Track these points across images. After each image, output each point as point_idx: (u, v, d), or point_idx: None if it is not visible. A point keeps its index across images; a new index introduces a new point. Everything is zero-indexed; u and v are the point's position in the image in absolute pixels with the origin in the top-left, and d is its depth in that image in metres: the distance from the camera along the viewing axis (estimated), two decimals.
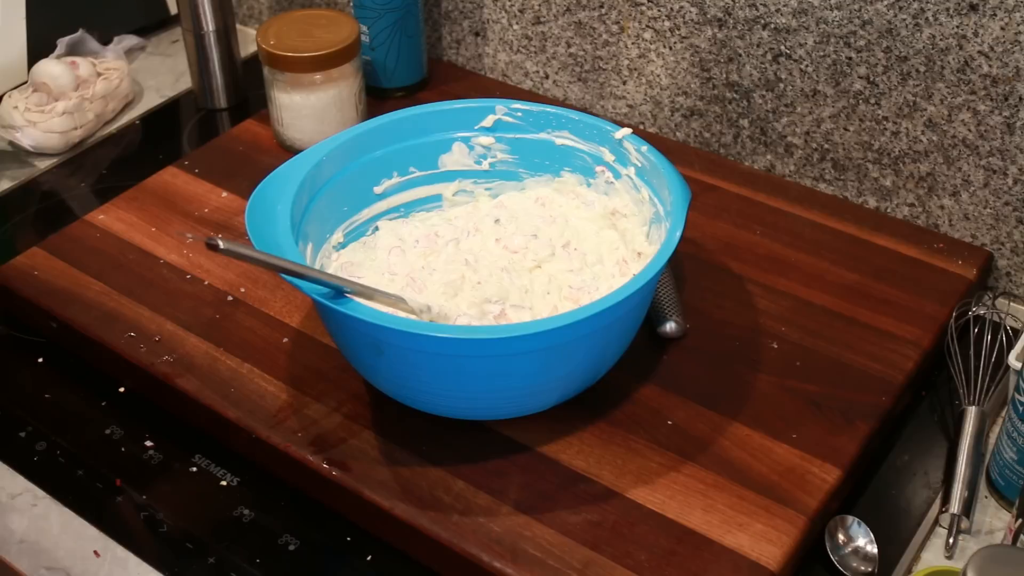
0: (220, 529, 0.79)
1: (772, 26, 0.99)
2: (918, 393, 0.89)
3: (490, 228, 0.90)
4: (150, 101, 1.26)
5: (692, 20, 1.03)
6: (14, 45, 1.21)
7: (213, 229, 0.99)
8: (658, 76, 1.09)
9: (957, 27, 0.90)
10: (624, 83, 1.11)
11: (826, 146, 1.02)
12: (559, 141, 0.91)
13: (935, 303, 0.90)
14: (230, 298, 0.92)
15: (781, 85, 1.01)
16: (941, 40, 0.91)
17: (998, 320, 0.90)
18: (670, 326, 0.87)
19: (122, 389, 0.89)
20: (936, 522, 0.80)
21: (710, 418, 0.81)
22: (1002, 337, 0.87)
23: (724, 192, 1.02)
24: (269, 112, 1.11)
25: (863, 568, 0.75)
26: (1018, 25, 0.87)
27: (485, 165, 0.93)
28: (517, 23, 1.15)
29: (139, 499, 0.81)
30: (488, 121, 0.91)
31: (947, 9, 0.89)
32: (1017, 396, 0.77)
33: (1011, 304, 0.96)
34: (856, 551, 0.76)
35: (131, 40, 1.28)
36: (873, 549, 0.76)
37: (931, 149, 0.96)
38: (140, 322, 0.90)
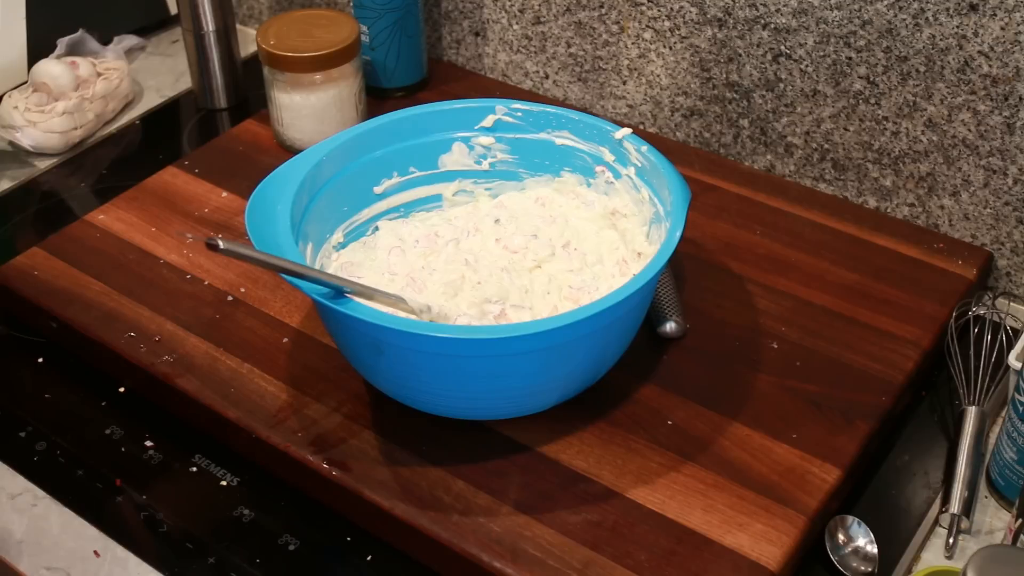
0: (220, 529, 0.79)
1: (772, 26, 0.99)
2: (918, 393, 0.89)
3: (490, 228, 0.90)
4: (150, 101, 1.26)
5: (692, 20, 1.03)
6: (14, 45, 1.21)
7: (213, 229, 0.99)
8: (658, 76, 1.09)
9: (957, 27, 0.90)
10: (624, 83, 1.11)
11: (826, 146, 1.02)
12: (559, 141, 0.91)
13: (935, 303, 0.90)
14: (230, 298, 0.92)
15: (781, 85, 1.01)
16: (941, 40, 0.91)
17: (998, 320, 0.90)
18: (670, 326, 0.87)
19: (122, 389, 0.90)
20: (936, 522, 0.80)
21: (710, 418, 0.81)
22: (1002, 337, 0.87)
23: (724, 192, 1.02)
24: (269, 112, 1.11)
25: (863, 568, 0.75)
26: (1018, 25, 0.87)
27: (485, 165, 0.93)
28: (517, 23, 1.15)
29: (139, 499, 0.81)
30: (488, 121, 0.91)
31: (947, 9, 0.89)
32: (1017, 396, 0.77)
33: (1011, 304, 0.96)
34: (856, 551, 0.76)
35: (131, 40, 1.28)
36: (873, 549, 0.76)
37: (931, 149, 0.96)
38: (140, 322, 0.90)
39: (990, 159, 0.93)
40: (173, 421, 0.86)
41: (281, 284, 0.92)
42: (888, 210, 1.01)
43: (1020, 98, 0.89)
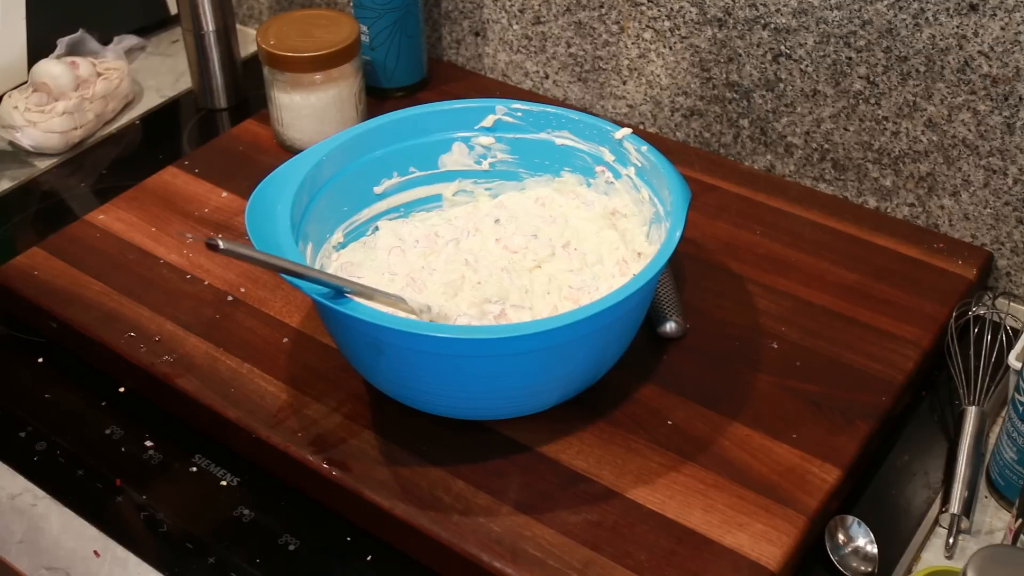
0: (220, 529, 0.79)
1: (772, 26, 0.99)
2: (918, 393, 0.89)
3: (490, 228, 0.90)
4: (150, 101, 1.26)
5: (692, 20, 1.03)
6: (14, 45, 1.21)
7: (213, 229, 0.99)
8: (658, 76, 1.09)
9: (957, 27, 0.90)
10: (624, 83, 1.11)
11: (826, 146, 1.02)
12: (559, 141, 0.91)
13: (935, 303, 0.90)
14: (230, 298, 0.92)
15: (781, 85, 1.01)
16: (941, 40, 0.91)
17: (998, 320, 0.90)
18: (670, 326, 0.87)
19: (122, 389, 0.90)
20: (936, 522, 0.80)
21: (710, 418, 0.81)
22: (1002, 337, 0.87)
23: (724, 192, 1.02)
24: (269, 112, 1.11)
25: (863, 568, 0.75)
26: (1018, 25, 0.87)
27: (485, 165, 0.93)
28: (517, 23, 1.15)
29: (139, 499, 0.82)
30: (488, 121, 0.91)
31: (947, 9, 0.89)
32: (1017, 396, 0.77)
33: (1011, 304, 0.96)
34: (856, 551, 0.76)
35: (131, 40, 1.28)
36: (873, 549, 0.76)
37: (931, 149, 0.96)
38: (140, 322, 0.90)
39: (990, 159, 0.93)
40: (173, 421, 0.86)
41: (281, 284, 0.92)
42: (888, 210, 1.01)
43: (1020, 98, 0.89)
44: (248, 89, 1.24)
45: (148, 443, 0.85)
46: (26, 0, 1.20)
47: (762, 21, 0.99)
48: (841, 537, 0.77)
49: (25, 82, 1.19)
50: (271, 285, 0.93)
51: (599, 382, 0.81)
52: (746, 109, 1.05)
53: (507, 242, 0.88)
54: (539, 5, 1.12)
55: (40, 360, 0.93)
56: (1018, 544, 0.71)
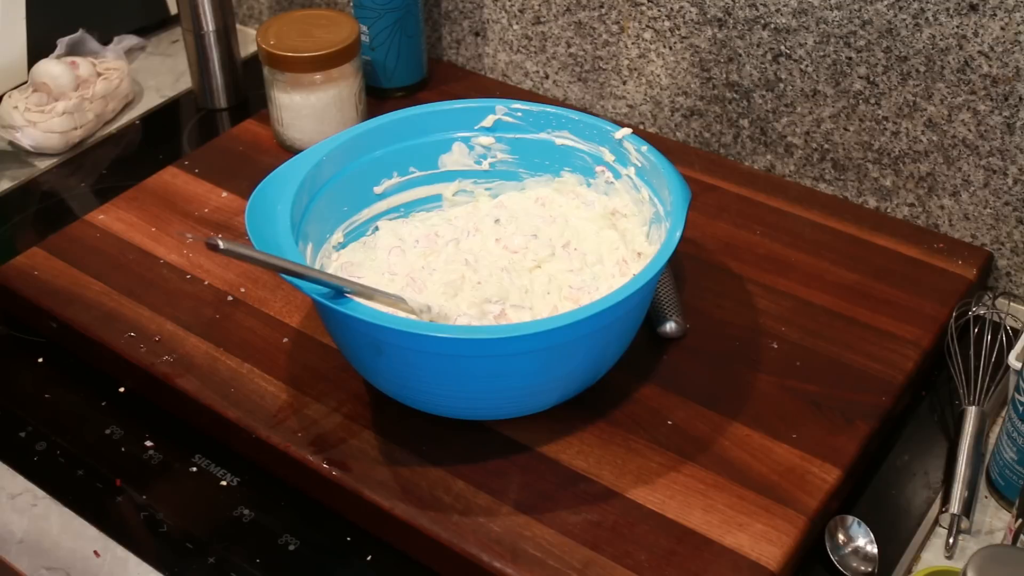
0: (220, 529, 0.79)
1: (772, 26, 0.99)
2: (918, 393, 0.89)
3: (490, 228, 0.90)
4: (150, 101, 1.26)
5: (692, 20, 1.03)
6: (14, 45, 1.21)
7: (213, 229, 0.99)
8: (658, 76, 1.09)
9: (957, 27, 0.90)
10: (624, 83, 1.11)
11: (826, 146, 1.02)
12: (559, 141, 0.91)
13: (935, 303, 0.90)
14: (230, 298, 0.92)
15: (781, 85, 1.01)
16: (941, 40, 0.91)
17: (998, 320, 0.90)
18: (670, 326, 0.87)
19: (122, 389, 0.90)
20: (936, 522, 0.80)
21: (710, 418, 0.81)
22: (1002, 337, 0.87)
23: (724, 192, 1.02)
24: (269, 112, 1.11)
25: (863, 568, 0.75)
26: (1018, 25, 0.87)
27: (485, 165, 0.93)
28: (517, 23, 1.15)
29: (139, 499, 0.81)
30: (488, 121, 0.91)
31: (947, 9, 0.89)
32: (1017, 396, 0.77)
33: (1011, 304, 0.96)
34: (856, 551, 0.76)
35: (131, 40, 1.28)
36: (873, 549, 0.76)
37: (931, 149, 0.96)
38: (140, 322, 0.90)
39: (990, 159, 0.93)
40: (173, 421, 0.86)
41: (281, 284, 0.92)
42: (888, 210, 1.01)
43: (1020, 98, 0.89)
44: (248, 89, 1.24)
45: (148, 443, 0.85)
46: (26, 0, 1.20)
47: (762, 21, 0.99)
48: (841, 537, 0.77)
49: (25, 82, 1.19)
50: (271, 285, 0.93)
51: (599, 382, 0.81)
52: (746, 109, 1.05)
53: (507, 242, 0.88)
54: (539, 5, 1.12)
55: (40, 360, 0.93)
56: (1018, 544, 0.71)
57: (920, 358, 0.86)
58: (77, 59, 1.19)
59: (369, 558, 0.77)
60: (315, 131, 1.08)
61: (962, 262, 0.94)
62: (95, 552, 0.79)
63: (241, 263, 0.92)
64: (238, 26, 1.27)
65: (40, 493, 0.83)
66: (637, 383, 0.84)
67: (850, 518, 0.78)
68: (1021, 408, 0.77)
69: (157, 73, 1.31)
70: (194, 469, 0.83)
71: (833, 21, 0.95)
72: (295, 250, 0.76)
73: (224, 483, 0.82)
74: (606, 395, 0.82)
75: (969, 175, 0.95)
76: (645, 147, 0.85)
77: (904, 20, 0.92)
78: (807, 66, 0.99)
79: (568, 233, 0.89)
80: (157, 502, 0.81)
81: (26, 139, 1.15)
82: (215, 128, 1.21)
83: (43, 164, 1.16)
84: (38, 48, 1.21)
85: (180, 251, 0.97)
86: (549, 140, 0.91)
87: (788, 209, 1.00)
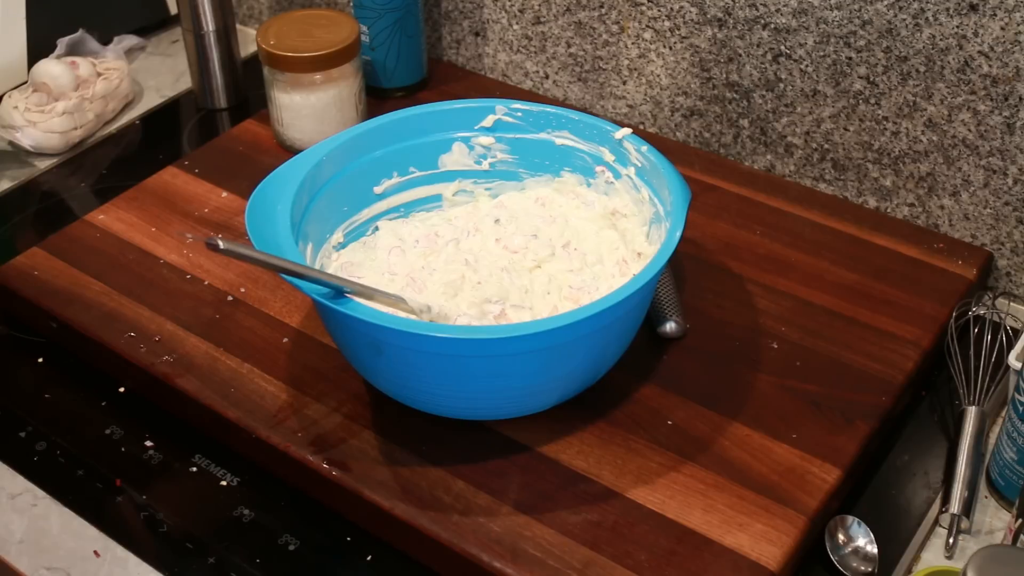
0: (220, 529, 0.79)
1: (772, 26, 0.99)
2: (918, 393, 0.89)
3: (490, 228, 0.90)
4: (150, 101, 1.26)
5: (692, 20, 1.03)
6: (14, 45, 1.21)
7: (213, 229, 0.99)
8: (658, 76, 1.09)
9: (957, 27, 0.90)
10: (624, 83, 1.11)
11: (826, 146, 1.02)
12: (559, 141, 0.91)
13: (935, 303, 0.90)
14: (230, 298, 0.92)
15: (781, 85, 1.01)
16: (941, 40, 0.91)
17: (998, 320, 0.90)
18: (670, 326, 0.87)
19: (122, 389, 0.90)
20: (936, 522, 0.80)
21: (710, 418, 0.81)
22: (1002, 337, 0.87)
23: (724, 192, 1.02)
24: (269, 112, 1.11)
25: (863, 568, 0.75)
26: (1018, 25, 0.87)
27: (485, 165, 0.93)
28: (517, 23, 1.15)
29: (139, 499, 0.82)
30: (488, 121, 0.91)
31: (947, 9, 0.89)
32: (1017, 396, 0.77)
33: (1011, 304, 0.96)
34: (856, 551, 0.76)
35: (131, 40, 1.28)
36: (873, 549, 0.76)
37: (931, 149, 0.96)
38: (140, 322, 0.90)
39: (990, 159, 0.93)
40: (173, 421, 0.86)
41: (281, 284, 0.92)
42: (888, 210, 1.01)
43: (1020, 98, 0.89)
44: (248, 89, 1.24)
45: (148, 443, 0.85)
46: (26, 0, 1.20)
47: (762, 21, 0.99)
48: (841, 537, 0.77)
49: (25, 82, 1.19)
50: (271, 285, 0.93)
51: (599, 382, 0.81)
52: (746, 109, 1.05)
53: (507, 242, 0.88)
54: (539, 5, 1.12)
55: (40, 360, 0.93)
56: (1018, 544, 0.71)
57: (920, 358, 0.86)
58: (77, 59, 1.19)
59: (369, 558, 0.77)
60: (315, 131, 1.08)
61: (962, 262, 0.94)
62: (95, 552, 0.79)
63: (241, 263, 0.92)
64: (238, 26, 1.27)
65: (40, 493, 0.83)
66: (637, 383, 0.84)
67: (850, 518, 0.78)
68: (1021, 408, 0.77)
69: (157, 73, 1.31)
70: (194, 469, 0.83)
71: (833, 21, 0.95)
72: (295, 250, 0.76)
73: (224, 483, 0.82)
74: (606, 395, 0.82)
75: (969, 175, 0.95)
76: (645, 147, 0.85)
77: (904, 20, 0.92)
78: (807, 66, 0.99)
79: (568, 233, 0.89)
80: (157, 502, 0.81)
81: (26, 139, 1.15)
82: (215, 128, 1.21)
83: (43, 164, 1.16)
84: (38, 48, 1.21)
85: (180, 251, 0.97)
86: (549, 140, 0.91)
87: (788, 209, 1.00)
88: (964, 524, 0.79)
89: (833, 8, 0.95)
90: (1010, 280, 0.97)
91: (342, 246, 0.89)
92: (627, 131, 0.87)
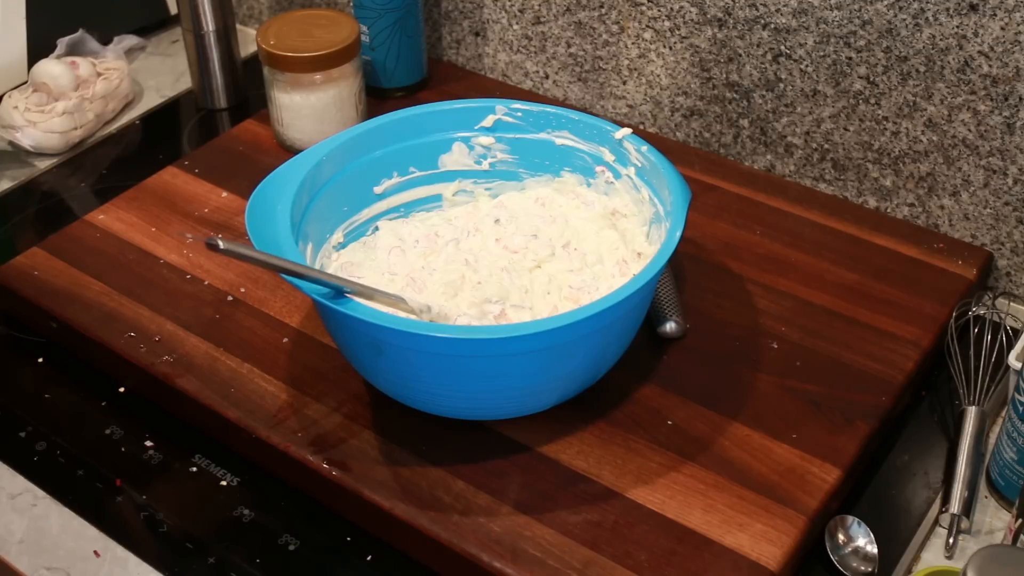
0: (220, 529, 0.79)
1: (772, 26, 0.99)
2: (918, 393, 0.89)
3: (490, 228, 0.90)
4: (150, 101, 1.26)
5: (692, 20, 1.03)
6: (14, 45, 1.21)
7: (213, 229, 0.99)
8: (658, 76, 1.09)
9: (957, 27, 0.90)
10: (624, 83, 1.11)
11: (826, 146, 1.02)
12: (559, 141, 0.91)
13: (935, 303, 0.90)
14: (230, 298, 0.92)
15: (781, 85, 1.01)
16: (941, 40, 0.91)
17: (998, 320, 0.90)
18: (670, 326, 0.87)
19: (122, 389, 0.90)
20: (936, 522, 0.80)
21: (710, 418, 0.81)
22: (1002, 337, 0.87)
23: (724, 192, 1.02)
24: (269, 112, 1.11)
25: (863, 568, 0.75)
26: (1018, 25, 0.87)
27: (485, 165, 0.93)
28: (517, 23, 1.15)
29: (139, 499, 0.82)
30: (488, 121, 0.91)
31: (947, 9, 0.89)
32: (1017, 396, 0.77)
33: (1011, 304, 0.96)
34: (856, 551, 0.76)
35: (131, 40, 1.28)
36: (873, 549, 0.76)
37: (931, 149, 0.96)
38: (140, 322, 0.90)
39: (990, 159, 0.93)
40: (173, 421, 0.86)
41: (281, 284, 0.92)
42: (888, 210, 1.01)
43: (1020, 98, 0.89)
44: (248, 89, 1.24)
45: (148, 443, 0.85)
46: (26, 0, 1.20)
47: (762, 21, 0.99)
48: (841, 537, 0.77)
49: (25, 82, 1.19)
50: (271, 285, 0.93)
51: (599, 382, 0.81)
52: (746, 109, 1.05)
53: (507, 242, 0.88)
54: (539, 5, 1.12)
55: (40, 360, 0.93)
56: (1018, 544, 0.71)
57: (920, 358, 0.86)
58: (77, 59, 1.19)
59: (369, 558, 0.77)
60: (315, 131, 1.08)
61: (962, 262, 0.94)
62: (95, 552, 0.79)
63: (241, 263, 0.92)
64: (238, 26, 1.27)
65: (40, 493, 0.83)
66: (637, 383, 0.84)
67: (850, 518, 0.78)
68: (1021, 408, 0.77)
69: (157, 73, 1.31)
70: (194, 469, 0.83)
71: (833, 21, 0.95)
72: (295, 250, 0.76)
73: (224, 483, 0.82)
74: (606, 395, 0.82)
75: (969, 175, 0.95)
76: (645, 147, 0.85)
77: (904, 20, 0.92)
78: (807, 66, 0.99)
79: (568, 233, 0.89)
80: (157, 502, 0.81)
81: (26, 139, 1.15)
82: (215, 128, 1.21)
83: (43, 164, 1.16)
84: (38, 48, 1.21)
85: (180, 251, 0.97)
86: (549, 140, 0.91)
87: (788, 209, 1.00)
88: (964, 524, 0.79)
89: (833, 8, 0.95)
90: (1010, 280, 0.97)
91: (342, 246, 0.89)
92: (627, 131, 0.87)
